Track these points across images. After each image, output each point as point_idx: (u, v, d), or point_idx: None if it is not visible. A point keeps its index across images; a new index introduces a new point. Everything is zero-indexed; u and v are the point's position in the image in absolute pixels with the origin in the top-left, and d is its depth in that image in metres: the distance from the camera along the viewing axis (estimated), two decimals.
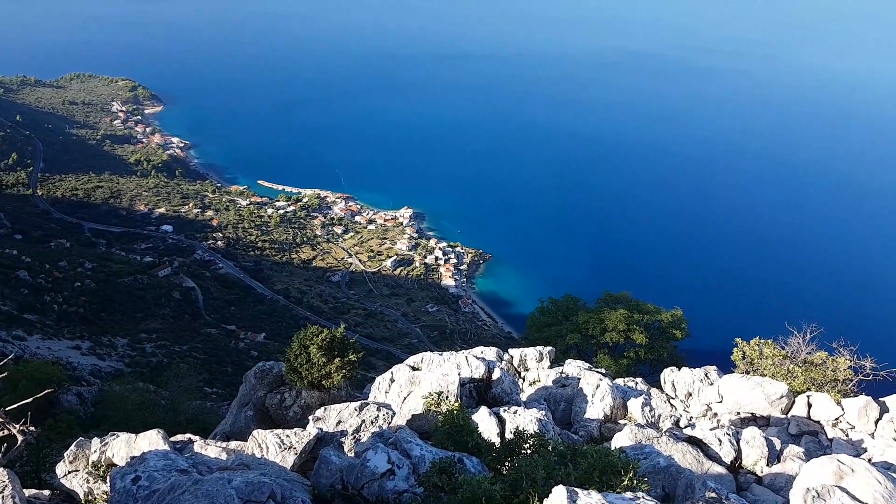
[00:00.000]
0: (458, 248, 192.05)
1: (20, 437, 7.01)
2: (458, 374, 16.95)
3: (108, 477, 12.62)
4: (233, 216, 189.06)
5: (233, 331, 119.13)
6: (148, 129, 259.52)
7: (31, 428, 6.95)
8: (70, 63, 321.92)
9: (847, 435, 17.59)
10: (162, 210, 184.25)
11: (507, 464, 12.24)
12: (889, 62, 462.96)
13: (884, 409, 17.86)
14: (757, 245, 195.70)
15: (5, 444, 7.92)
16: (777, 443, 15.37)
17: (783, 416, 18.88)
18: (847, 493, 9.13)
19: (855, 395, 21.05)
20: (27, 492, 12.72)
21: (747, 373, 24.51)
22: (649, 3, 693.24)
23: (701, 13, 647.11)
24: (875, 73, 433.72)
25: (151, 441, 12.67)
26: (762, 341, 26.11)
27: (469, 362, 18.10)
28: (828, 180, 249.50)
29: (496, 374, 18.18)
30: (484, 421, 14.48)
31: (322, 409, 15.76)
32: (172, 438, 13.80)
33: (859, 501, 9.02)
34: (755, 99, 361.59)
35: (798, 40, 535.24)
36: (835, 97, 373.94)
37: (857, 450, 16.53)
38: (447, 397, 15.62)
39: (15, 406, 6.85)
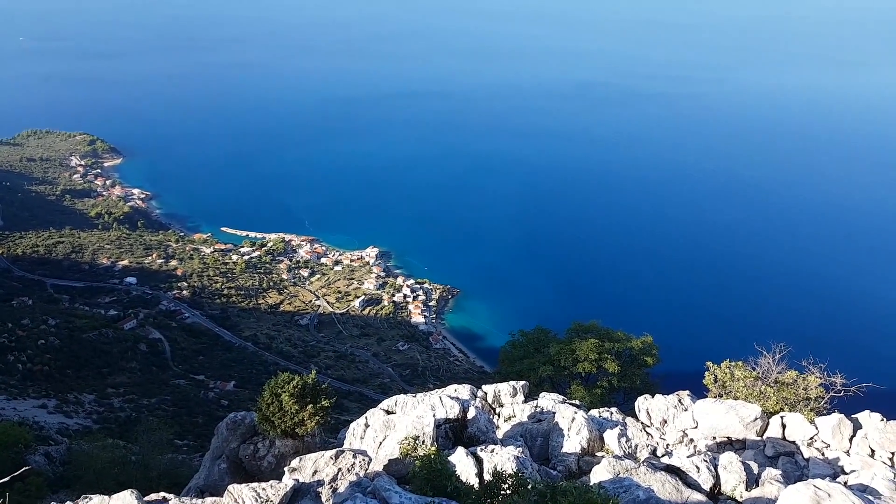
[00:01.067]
0: (426, 285, 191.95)
1: None
2: (433, 416, 16.72)
3: None
4: (197, 264, 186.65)
5: (202, 380, 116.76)
6: (108, 182, 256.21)
7: None
8: (26, 120, 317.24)
9: (823, 454, 17.67)
10: (125, 262, 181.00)
11: None
12: (827, 75, 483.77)
13: (857, 426, 18.02)
14: (721, 265, 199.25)
15: None
16: (754, 466, 15.36)
17: (759, 438, 18.93)
18: None
19: (828, 413, 21.19)
20: None
21: (720, 396, 24.61)
22: (591, 34, 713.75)
23: (643, 41, 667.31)
24: (820, 86, 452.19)
25: (125, 503, 12.18)
26: (733, 363, 26.25)
27: (443, 403, 17.88)
28: (786, 197, 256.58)
29: (471, 414, 17.97)
30: (461, 462, 14.23)
31: (297, 458, 15.34)
32: (147, 498, 13.33)
33: None
34: (707, 120, 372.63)
35: (742, 62, 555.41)
36: (786, 113, 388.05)
37: (833, 468, 16.59)
38: (423, 441, 15.35)
39: None
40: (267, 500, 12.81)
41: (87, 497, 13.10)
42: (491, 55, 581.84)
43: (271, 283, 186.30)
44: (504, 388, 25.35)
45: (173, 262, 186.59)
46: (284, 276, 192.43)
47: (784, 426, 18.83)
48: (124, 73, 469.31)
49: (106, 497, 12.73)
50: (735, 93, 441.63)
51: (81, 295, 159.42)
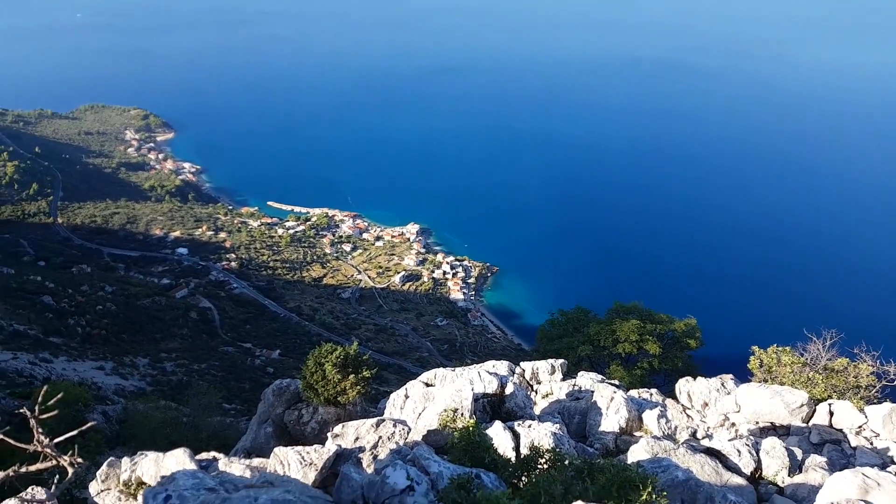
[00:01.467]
0: (466, 262, 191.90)
1: (70, 469, 6.90)
2: (472, 390, 16.76)
3: (138, 495, 12.57)
4: (245, 237, 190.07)
5: (249, 348, 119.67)
6: (160, 156, 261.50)
7: (79, 460, 6.84)
8: (84, 95, 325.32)
9: (871, 443, 17.10)
10: (177, 233, 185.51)
11: (523, 479, 12.00)
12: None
13: None
14: (771, 249, 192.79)
15: (57, 476, 7.86)
16: (798, 452, 15.00)
17: (804, 424, 18.43)
18: None
19: (879, 402, 20.44)
20: None
21: (765, 381, 24.00)
22: (643, 4, 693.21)
23: (697, 13, 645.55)
24: (886, 65, 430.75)
25: (179, 460, 12.63)
26: (780, 349, 25.47)
27: (482, 377, 17.90)
28: (843, 180, 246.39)
29: (509, 389, 17.95)
30: (499, 436, 14.26)
31: (340, 425, 15.60)
32: (198, 456, 13.77)
33: None
34: (762, 99, 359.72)
35: (802, 36, 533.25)
36: (846, 93, 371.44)
37: (882, 458, 16.04)
38: (462, 413, 15.42)
39: (62, 438, 6.76)
40: (311, 463, 13.09)
41: (142, 453, 13.62)
42: (537, 29, 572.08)
43: (315, 257, 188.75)
44: (542, 365, 25.23)
45: (222, 235, 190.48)
46: (327, 251, 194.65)
47: (831, 413, 18.26)
48: (175, 48, 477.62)
49: (161, 454, 13.19)
50: (792, 70, 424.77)
51: (136, 264, 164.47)
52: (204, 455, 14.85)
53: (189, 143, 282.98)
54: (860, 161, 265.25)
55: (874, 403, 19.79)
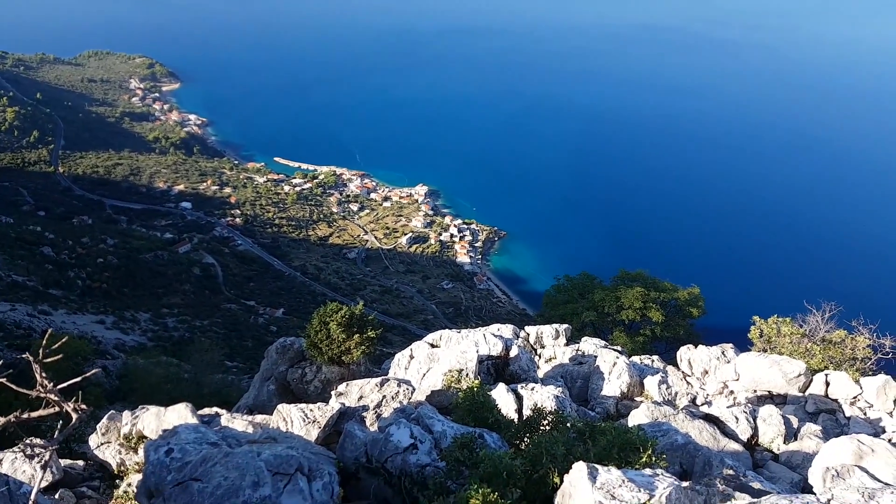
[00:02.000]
0: (473, 226, 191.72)
1: (75, 416, 7.18)
2: (477, 352, 17.09)
3: (139, 448, 12.96)
4: (250, 193, 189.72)
5: (252, 306, 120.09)
6: (165, 107, 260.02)
7: (83, 406, 7.11)
8: (87, 40, 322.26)
9: (865, 413, 17.51)
10: (181, 187, 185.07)
11: (526, 440, 12.34)
12: None
13: None
14: (776, 222, 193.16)
15: (61, 422, 8.14)
16: (794, 421, 15.38)
17: (800, 394, 18.83)
18: (867, 472, 9.13)
19: (874, 374, 20.91)
20: (62, 462, 13.09)
21: (764, 351, 24.39)
22: None
23: None
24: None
25: (180, 414, 12.93)
26: (780, 319, 25.89)
27: (487, 340, 18.21)
28: (849, 155, 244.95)
29: (514, 352, 18.28)
30: (502, 397, 14.62)
31: (343, 384, 15.92)
32: (200, 412, 14.06)
33: (880, 482, 9.01)
34: (776, 72, 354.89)
35: (820, 8, 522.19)
36: (860, 67, 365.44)
37: (874, 428, 16.46)
38: (467, 374, 15.76)
39: (66, 384, 7.01)
40: (314, 421, 13.41)
41: (143, 407, 13.92)
42: None
43: (321, 216, 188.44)
44: (547, 329, 25.59)
45: (227, 190, 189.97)
46: (334, 210, 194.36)
47: (827, 384, 18.67)
48: None
49: (162, 409, 13.49)
50: (809, 43, 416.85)
51: (139, 217, 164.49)
52: (206, 410, 15.22)
53: (195, 95, 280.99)
54: (870, 136, 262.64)
55: (869, 375, 20.20)
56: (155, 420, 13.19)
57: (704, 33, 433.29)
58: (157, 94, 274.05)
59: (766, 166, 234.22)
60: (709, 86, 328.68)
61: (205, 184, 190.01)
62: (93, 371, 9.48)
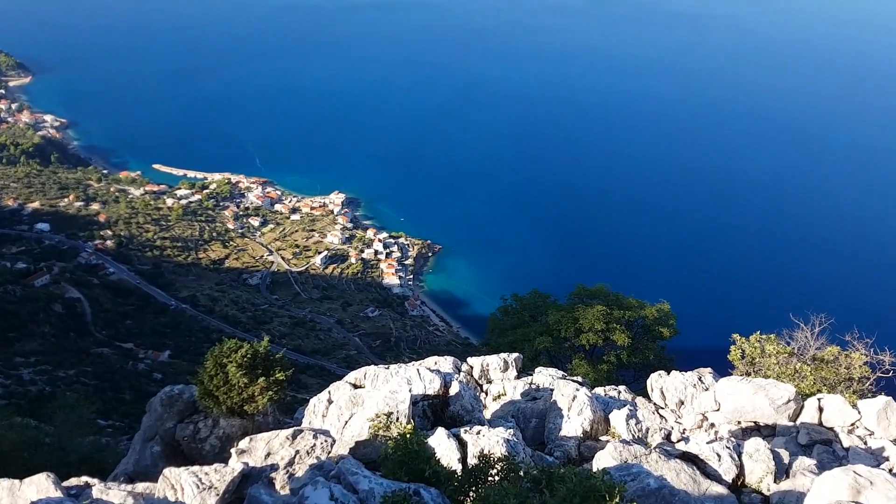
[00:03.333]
0: (402, 239, 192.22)
1: None
2: (410, 391, 16.98)
3: None
4: (124, 209, 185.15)
5: (130, 349, 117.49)
6: (14, 106, 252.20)
7: None
8: None
9: (865, 442, 18.08)
10: (36, 205, 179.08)
11: (472, 494, 12.28)
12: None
13: None
14: (752, 223, 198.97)
15: None
16: (785, 455, 15.77)
17: (791, 423, 19.36)
18: None
19: (873, 396, 21.40)
20: None
21: (748, 374, 24.99)
22: None
23: None
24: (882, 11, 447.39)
25: (41, 487, 12.39)
26: (764, 337, 26.45)
27: (421, 376, 18.14)
28: (832, 142, 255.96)
29: (454, 389, 18.25)
30: (442, 444, 14.52)
31: (247, 439, 15.58)
32: (65, 483, 13.51)
33: None
34: (741, 46, 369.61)
35: None
36: (838, 41, 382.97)
37: (877, 459, 16.96)
38: (397, 419, 15.62)
39: None
40: (210, 487, 13.00)
41: None
42: None
43: (214, 234, 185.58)
44: (493, 361, 25.68)
45: (95, 206, 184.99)
46: (230, 226, 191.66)
47: (821, 410, 19.23)
48: None
49: (17, 481, 12.89)
50: (774, 13, 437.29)
51: None
52: (74, 481, 14.57)
53: (51, 90, 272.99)
54: (851, 119, 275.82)
55: (868, 397, 20.79)
56: (8, 496, 12.59)
57: (658, 4, 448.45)
58: (2, 92, 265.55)
59: (739, 156, 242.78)
60: (668, 63, 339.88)
61: (66, 200, 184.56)
62: None
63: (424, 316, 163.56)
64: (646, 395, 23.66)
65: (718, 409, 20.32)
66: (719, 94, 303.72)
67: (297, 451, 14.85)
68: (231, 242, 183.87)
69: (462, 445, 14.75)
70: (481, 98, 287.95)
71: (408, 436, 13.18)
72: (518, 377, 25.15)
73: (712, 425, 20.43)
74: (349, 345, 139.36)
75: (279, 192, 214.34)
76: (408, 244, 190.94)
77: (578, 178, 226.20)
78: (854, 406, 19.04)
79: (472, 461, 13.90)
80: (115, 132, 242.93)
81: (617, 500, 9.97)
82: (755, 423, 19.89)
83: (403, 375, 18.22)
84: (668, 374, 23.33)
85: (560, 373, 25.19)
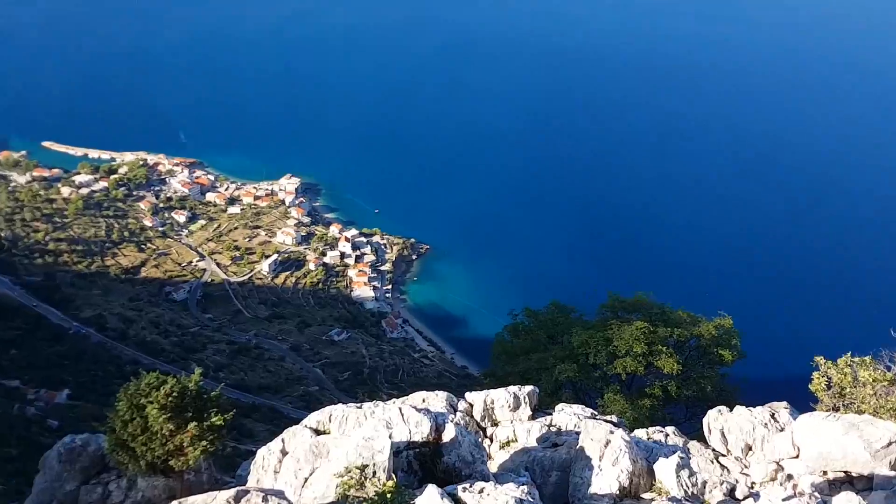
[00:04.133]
0: (377, 238, 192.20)
1: None
2: (390, 437, 16.99)
3: None
4: (4, 202, 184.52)
5: (16, 388, 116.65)
6: None
7: None
8: None
9: None
10: None
11: None
12: None
13: None
14: (833, 219, 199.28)
15: None
16: None
17: (893, 473, 19.40)
18: None
19: None
20: None
21: (836, 409, 25.02)
22: None
23: None
24: None
25: None
26: (856, 360, 26.46)
27: (405, 418, 18.16)
28: None
29: (449, 434, 18.27)
30: None
31: (174, 503, 15.59)
32: None
33: None
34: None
35: None
36: None
37: None
38: (374, 473, 15.63)
39: None
40: None
41: None
42: None
43: (126, 234, 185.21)
44: (500, 396, 25.71)
45: None
46: (147, 223, 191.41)
47: None
48: None
49: None
50: None
51: None
52: None
53: None
54: None
55: None
56: None
57: None
58: None
59: (811, 135, 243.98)
60: (715, 28, 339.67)
61: None
62: None
63: (408, 339, 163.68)
64: (702, 439, 23.73)
65: (797, 456, 20.40)
66: (779, 63, 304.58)
67: None
68: (149, 245, 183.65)
69: None
70: (481, 52, 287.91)
71: (388, 496, 13.22)
72: (533, 417, 25.19)
73: (789, 477, 20.50)
74: (308, 378, 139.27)
75: (212, 178, 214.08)
76: (384, 244, 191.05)
77: (609, 155, 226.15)
78: None
79: None
80: None
81: None
82: (846, 472, 19.96)
83: (381, 417, 18.22)
84: (731, 410, 23.40)
85: (588, 411, 25.25)
